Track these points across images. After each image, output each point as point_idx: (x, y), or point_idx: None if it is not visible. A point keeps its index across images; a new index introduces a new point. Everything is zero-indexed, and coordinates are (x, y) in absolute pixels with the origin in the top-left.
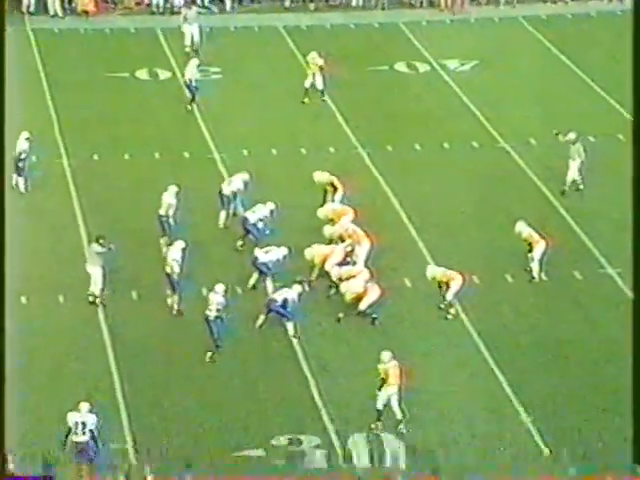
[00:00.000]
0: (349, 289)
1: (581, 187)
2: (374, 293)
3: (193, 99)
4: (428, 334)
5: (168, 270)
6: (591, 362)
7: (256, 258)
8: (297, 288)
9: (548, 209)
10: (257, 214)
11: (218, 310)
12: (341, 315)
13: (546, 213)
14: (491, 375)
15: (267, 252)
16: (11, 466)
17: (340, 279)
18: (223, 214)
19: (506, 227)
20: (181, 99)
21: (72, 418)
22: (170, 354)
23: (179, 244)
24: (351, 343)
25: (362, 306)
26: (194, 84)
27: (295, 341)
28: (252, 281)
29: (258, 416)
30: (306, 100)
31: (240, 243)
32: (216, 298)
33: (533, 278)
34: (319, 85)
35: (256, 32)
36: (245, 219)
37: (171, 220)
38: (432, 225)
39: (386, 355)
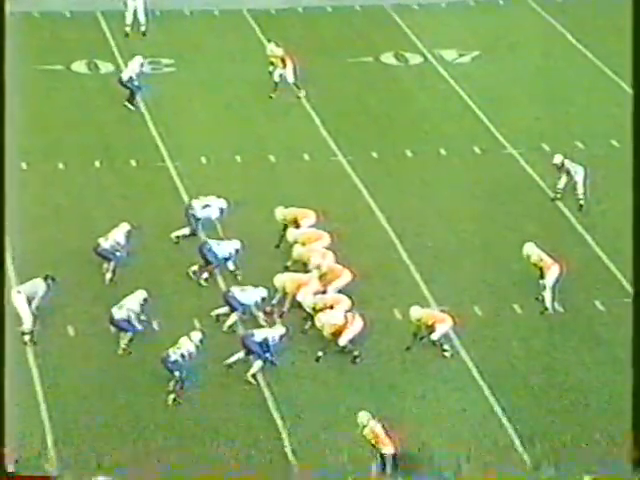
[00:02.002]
0: (327, 321)
1: (582, 203)
2: (356, 325)
3: (133, 98)
4: (422, 375)
5: (121, 316)
6: (615, 409)
7: (229, 293)
8: (280, 329)
9: (564, 227)
10: (222, 248)
11: (182, 356)
12: (320, 353)
13: (562, 232)
14: (497, 424)
15: (244, 290)
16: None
17: (315, 309)
18: (185, 230)
19: (514, 249)
20: (126, 97)
21: None
22: (113, 400)
23: (140, 294)
24: (331, 386)
25: (342, 341)
26: (136, 82)
27: (263, 384)
28: (218, 311)
29: (220, 474)
30: (273, 95)
31: (193, 268)
32: (188, 345)
33: (546, 309)
34: (289, 77)
35: (216, 17)
36: (207, 249)
37: (118, 254)
38: (426, 246)
39: (364, 417)
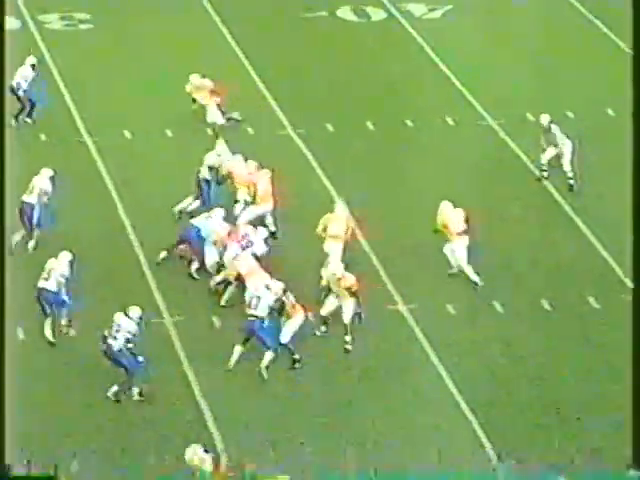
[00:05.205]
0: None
1: (572, 182)
2: (298, 317)
3: (31, 111)
4: (386, 387)
5: (50, 287)
6: (613, 424)
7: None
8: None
9: (552, 211)
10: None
11: (128, 340)
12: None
13: (550, 217)
14: (476, 443)
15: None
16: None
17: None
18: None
19: (494, 236)
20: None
21: None
22: (53, 402)
23: (64, 256)
24: (279, 401)
25: (284, 337)
26: (27, 91)
27: (203, 404)
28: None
29: None
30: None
31: (163, 255)
32: (126, 324)
33: (475, 284)
34: (217, 119)
35: None
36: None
37: (35, 213)
38: (391, 235)
39: (190, 452)
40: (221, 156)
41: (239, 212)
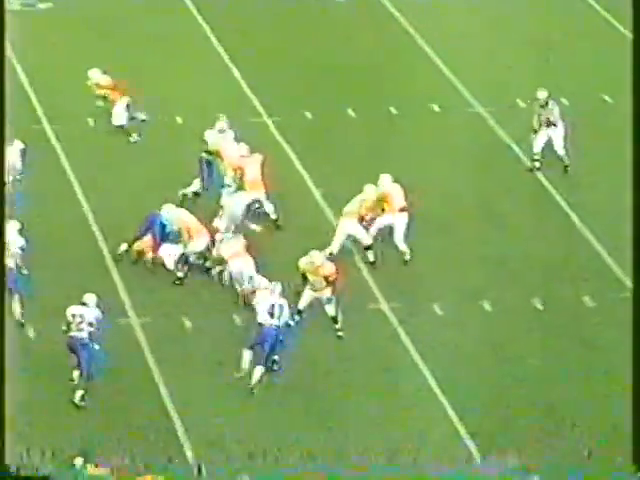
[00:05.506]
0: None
1: (567, 163)
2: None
3: None
4: (369, 391)
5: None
6: (611, 430)
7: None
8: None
9: (545, 204)
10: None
11: (91, 325)
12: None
13: (543, 210)
14: (464, 450)
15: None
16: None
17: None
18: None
19: (483, 232)
20: None
21: None
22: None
23: (13, 226)
24: (255, 405)
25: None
26: None
27: (169, 404)
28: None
29: None
30: (133, 138)
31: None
32: (87, 313)
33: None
34: (120, 120)
35: None
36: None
37: (12, 188)
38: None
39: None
40: (224, 133)
41: (225, 196)
